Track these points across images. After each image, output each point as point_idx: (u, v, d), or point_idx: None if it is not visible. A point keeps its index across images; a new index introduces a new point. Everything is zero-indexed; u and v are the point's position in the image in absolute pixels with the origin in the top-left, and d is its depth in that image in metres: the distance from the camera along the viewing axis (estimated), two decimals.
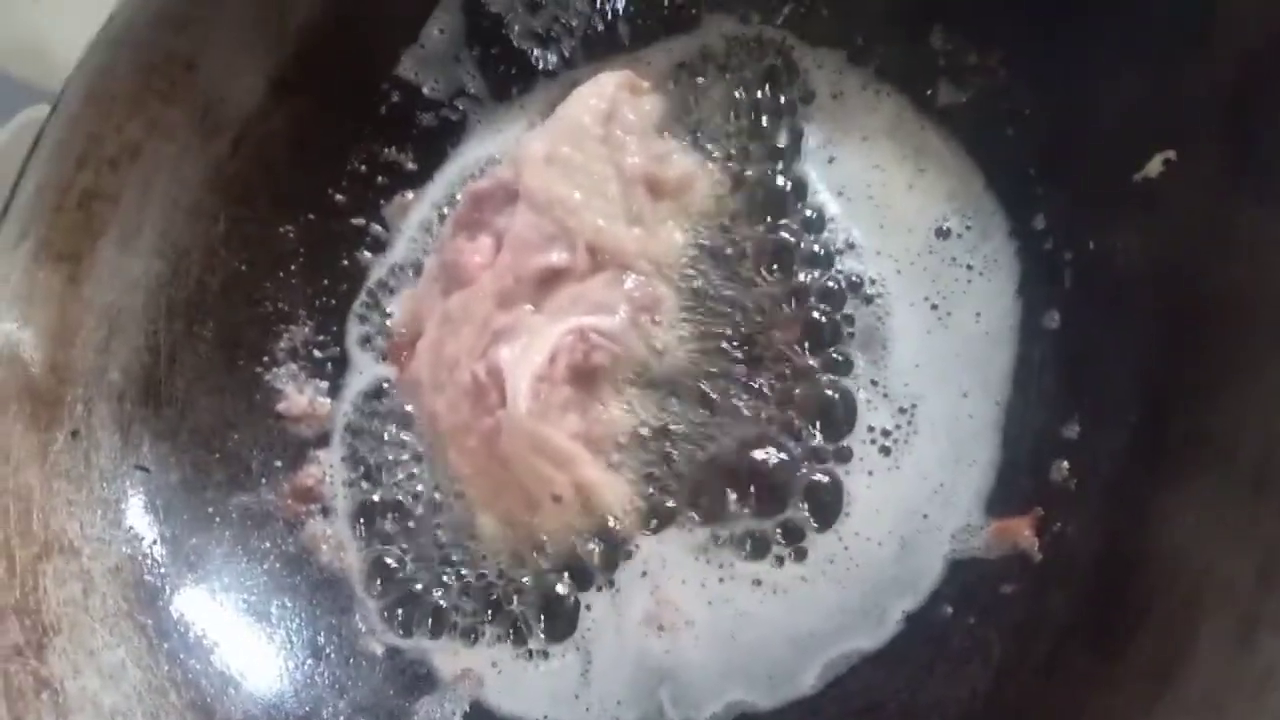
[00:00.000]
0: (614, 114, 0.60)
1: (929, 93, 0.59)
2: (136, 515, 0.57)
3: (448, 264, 0.62)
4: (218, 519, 0.59)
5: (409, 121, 0.68)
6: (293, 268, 0.66)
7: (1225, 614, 0.39)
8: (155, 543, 0.57)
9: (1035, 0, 0.54)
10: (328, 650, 0.57)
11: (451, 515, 0.59)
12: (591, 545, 0.56)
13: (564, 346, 0.56)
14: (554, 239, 0.58)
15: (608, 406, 0.57)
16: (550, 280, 0.59)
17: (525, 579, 0.57)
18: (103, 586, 0.54)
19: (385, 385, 0.64)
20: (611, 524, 0.56)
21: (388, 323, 0.65)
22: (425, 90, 0.68)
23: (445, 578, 0.58)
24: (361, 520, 0.61)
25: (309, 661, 0.57)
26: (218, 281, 0.63)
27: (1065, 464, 0.49)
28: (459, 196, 0.65)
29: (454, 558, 0.58)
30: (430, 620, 0.57)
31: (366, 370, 0.65)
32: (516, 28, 0.68)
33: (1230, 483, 0.41)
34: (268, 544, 0.60)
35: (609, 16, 0.67)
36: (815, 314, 0.57)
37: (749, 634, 0.52)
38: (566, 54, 0.68)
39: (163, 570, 0.56)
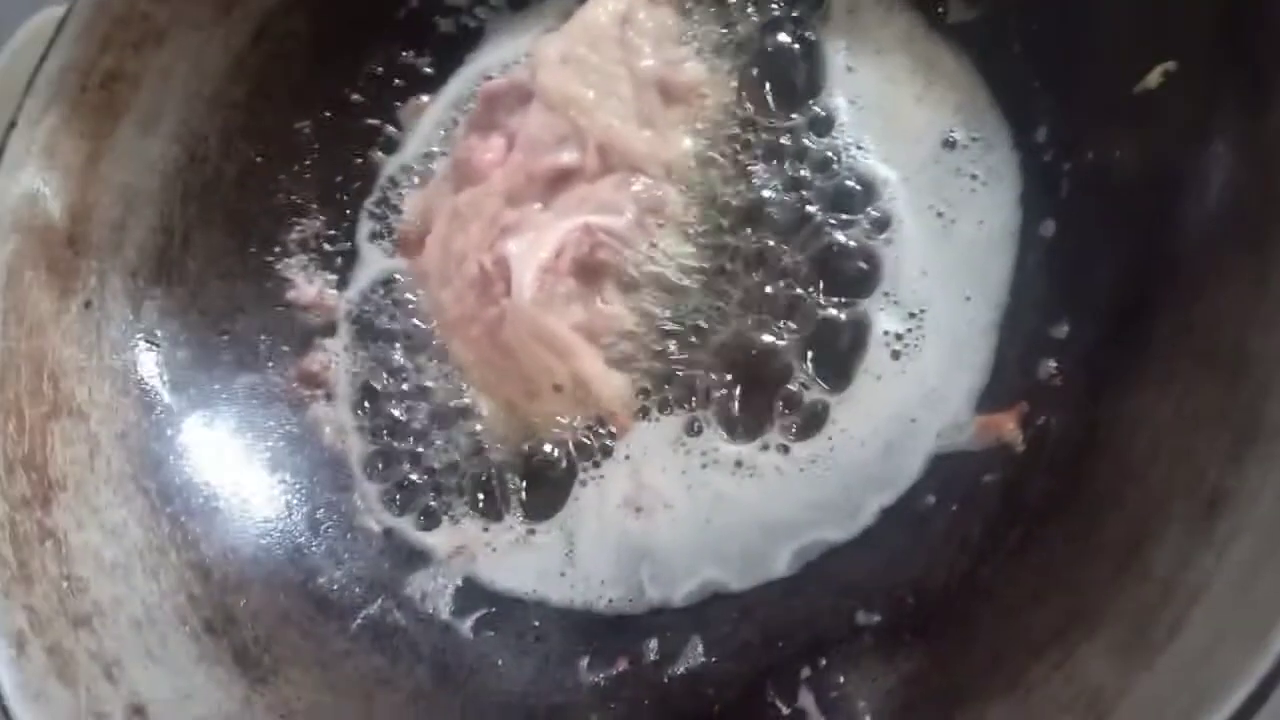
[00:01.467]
0: (630, 18, 0.61)
1: (940, 9, 0.60)
2: (144, 386, 0.59)
3: (460, 161, 0.63)
4: (224, 396, 0.61)
5: (427, 26, 0.69)
6: (307, 162, 0.67)
7: (1193, 494, 0.40)
8: (162, 413, 0.58)
9: None
10: (326, 525, 0.59)
11: (451, 402, 0.60)
12: (584, 435, 0.57)
13: (570, 241, 0.57)
14: (565, 139, 0.59)
15: (610, 302, 0.58)
16: (560, 180, 0.60)
17: (519, 463, 0.58)
18: (108, 450, 0.56)
19: (395, 278, 0.65)
20: (605, 415, 0.57)
21: (401, 217, 0.66)
22: None
23: (442, 461, 0.59)
24: (365, 405, 0.62)
25: (306, 534, 0.58)
26: (234, 170, 0.64)
27: (1053, 362, 0.50)
28: (474, 98, 0.66)
29: (451, 442, 0.59)
30: (426, 501, 0.59)
31: (375, 264, 0.66)
32: None
33: (1207, 373, 0.42)
34: (272, 422, 0.61)
35: None
36: (824, 221, 0.58)
37: (723, 518, 0.54)
38: None
39: (168, 439, 0.58)
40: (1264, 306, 0.41)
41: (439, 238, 0.62)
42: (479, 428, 0.59)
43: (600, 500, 0.56)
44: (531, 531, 0.57)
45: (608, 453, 0.57)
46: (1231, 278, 0.43)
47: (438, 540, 0.58)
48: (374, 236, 0.67)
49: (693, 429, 0.56)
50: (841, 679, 0.48)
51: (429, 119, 0.69)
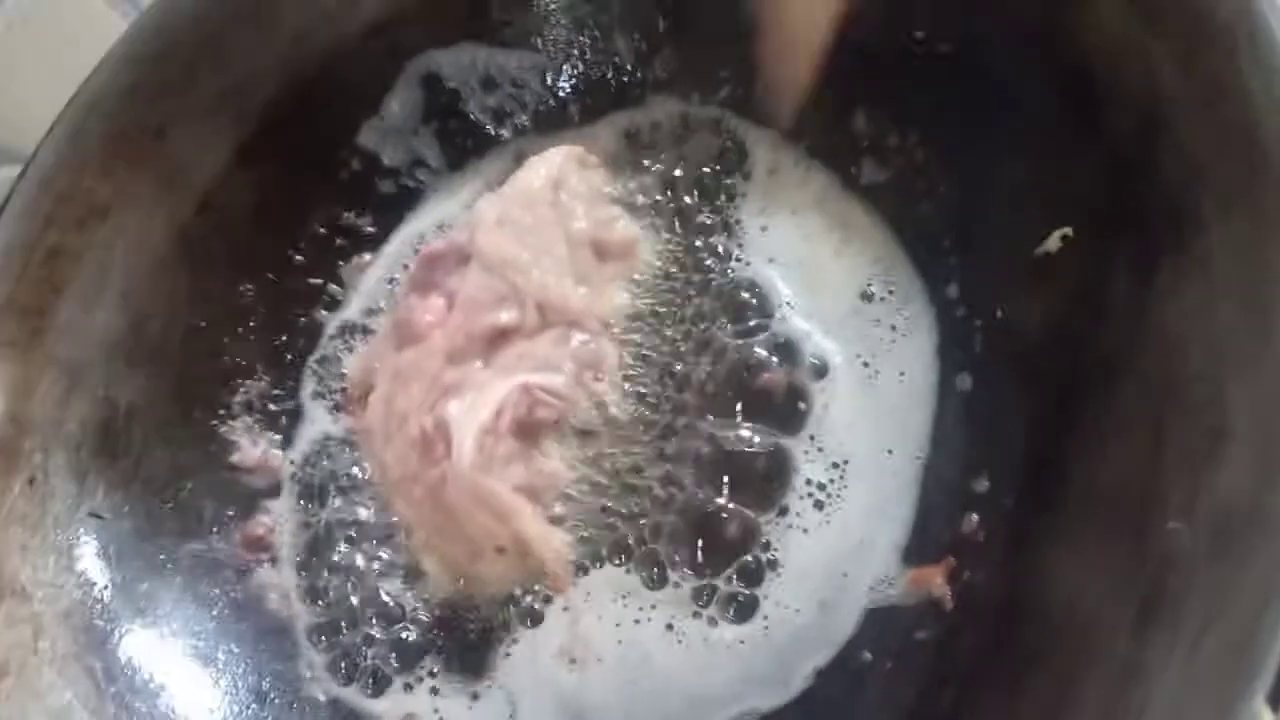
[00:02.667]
0: (563, 182, 0.64)
1: (853, 170, 0.63)
2: (89, 561, 0.59)
3: (400, 321, 0.65)
4: (169, 565, 0.61)
5: (368, 188, 0.71)
6: (251, 323, 0.68)
7: (1107, 660, 0.42)
8: (106, 588, 0.58)
9: (945, 89, 0.58)
10: (272, 696, 0.58)
11: (396, 563, 0.61)
12: (526, 593, 0.58)
13: (510, 402, 0.59)
14: (504, 299, 0.62)
15: (550, 459, 0.60)
16: (499, 338, 0.62)
17: (465, 624, 0.59)
18: (53, 630, 0.56)
19: (337, 438, 0.66)
20: (546, 574, 0.58)
21: (344, 374, 0.68)
22: (384, 159, 0.71)
23: (386, 625, 0.60)
24: (309, 569, 0.63)
25: (253, 706, 0.58)
26: (177, 337, 0.65)
27: (975, 516, 0.52)
28: (414, 258, 0.68)
29: (396, 604, 0.60)
30: (371, 668, 0.59)
31: (318, 423, 0.67)
32: (472, 103, 0.71)
33: (1113, 533, 0.45)
34: (217, 590, 0.61)
35: (560, 94, 0.72)
36: (754, 371, 0.60)
37: (650, 682, 0.55)
38: (520, 127, 0.72)
39: (113, 614, 0.58)
40: (1165, 465, 0.44)
41: (382, 397, 0.64)
42: (425, 585, 0.60)
43: (534, 653, 0.57)
44: (475, 696, 0.57)
45: (548, 601, 0.58)
46: (1129, 439, 0.46)
47: (384, 709, 0.58)
48: (316, 395, 0.68)
49: (627, 583, 0.57)
50: None
51: (371, 276, 0.71)
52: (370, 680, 0.59)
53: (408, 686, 0.58)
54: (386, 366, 0.64)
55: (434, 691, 0.58)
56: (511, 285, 0.62)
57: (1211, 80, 0.45)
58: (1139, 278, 0.48)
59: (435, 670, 0.58)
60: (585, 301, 0.63)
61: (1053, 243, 0.53)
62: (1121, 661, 0.41)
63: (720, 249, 0.64)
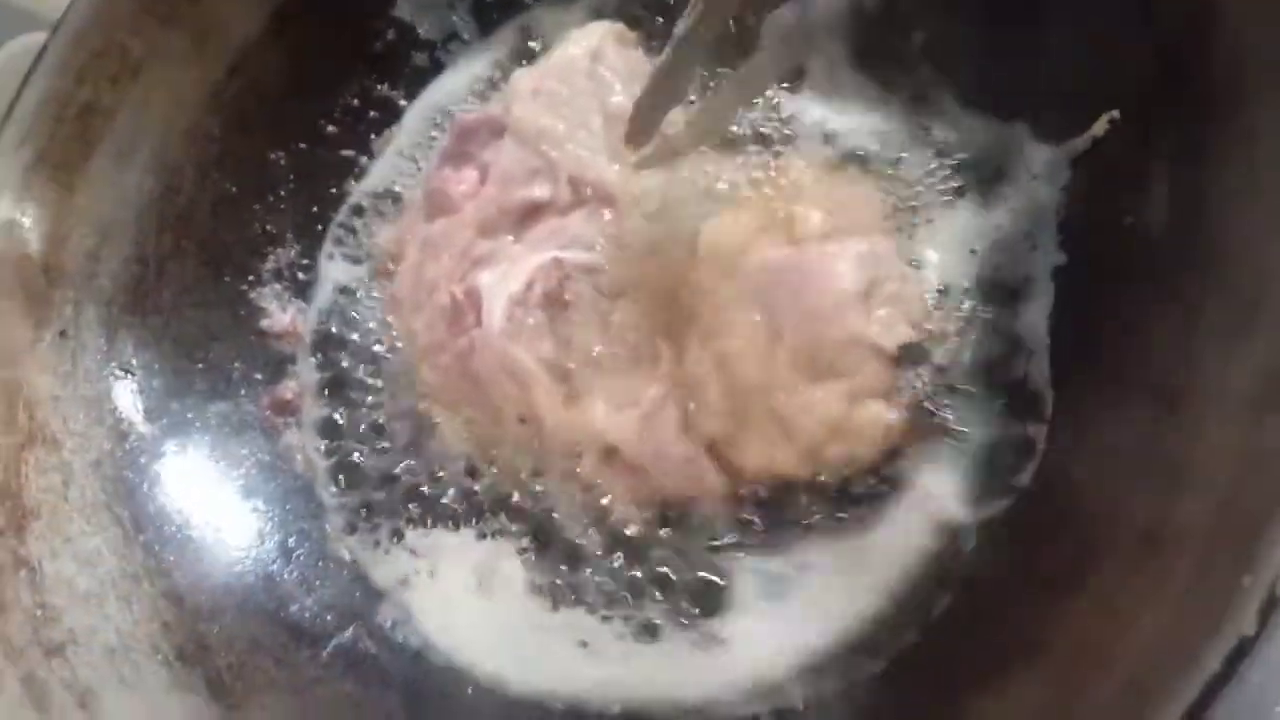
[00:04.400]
0: (601, 56, 0.63)
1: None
2: (120, 414, 0.59)
3: (433, 192, 0.64)
4: (197, 424, 0.62)
5: (402, 60, 0.70)
6: (282, 193, 0.68)
7: (1126, 533, 0.43)
8: (135, 441, 0.59)
9: None
10: (298, 552, 0.59)
11: (414, 427, 0.61)
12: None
13: (540, 275, 0.59)
14: (537, 173, 0.61)
15: (577, 335, 0.59)
16: (531, 213, 0.61)
17: (477, 487, 0.59)
18: (82, 479, 0.56)
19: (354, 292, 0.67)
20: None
21: (376, 243, 0.67)
22: (420, 31, 0.70)
23: (404, 486, 0.60)
24: (328, 434, 0.63)
25: (279, 561, 0.59)
26: (208, 201, 0.65)
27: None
28: (447, 128, 0.67)
29: (413, 467, 0.61)
30: (393, 526, 0.60)
31: (337, 277, 0.68)
32: None
33: (1146, 406, 0.45)
34: (244, 450, 0.62)
35: None
36: None
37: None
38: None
39: (142, 467, 0.59)
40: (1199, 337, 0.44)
41: (411, 265, 0.64)
42: (442, 446, 0.60)
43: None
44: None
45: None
46: (1170, 308, 0.46)
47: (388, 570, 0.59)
48: (341, 258, 0.68)
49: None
50: None
51: (395, 146, 0.70)
52: (388, 541, 0.60)
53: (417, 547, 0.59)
54: (417, 236, 0.64)
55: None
56: (546, 159, 0.61)
57: None
58: (1186, 157, 0.47)
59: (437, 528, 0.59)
60: (620, 177, 0.62)
61: (1099, 127, 0.52)
62: (1141, 534, 0.41)
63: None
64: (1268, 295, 0.41)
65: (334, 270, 0.68)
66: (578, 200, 0.61)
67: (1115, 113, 0.52)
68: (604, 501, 0.56)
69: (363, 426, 0.62)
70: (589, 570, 0.56)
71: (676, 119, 0.56)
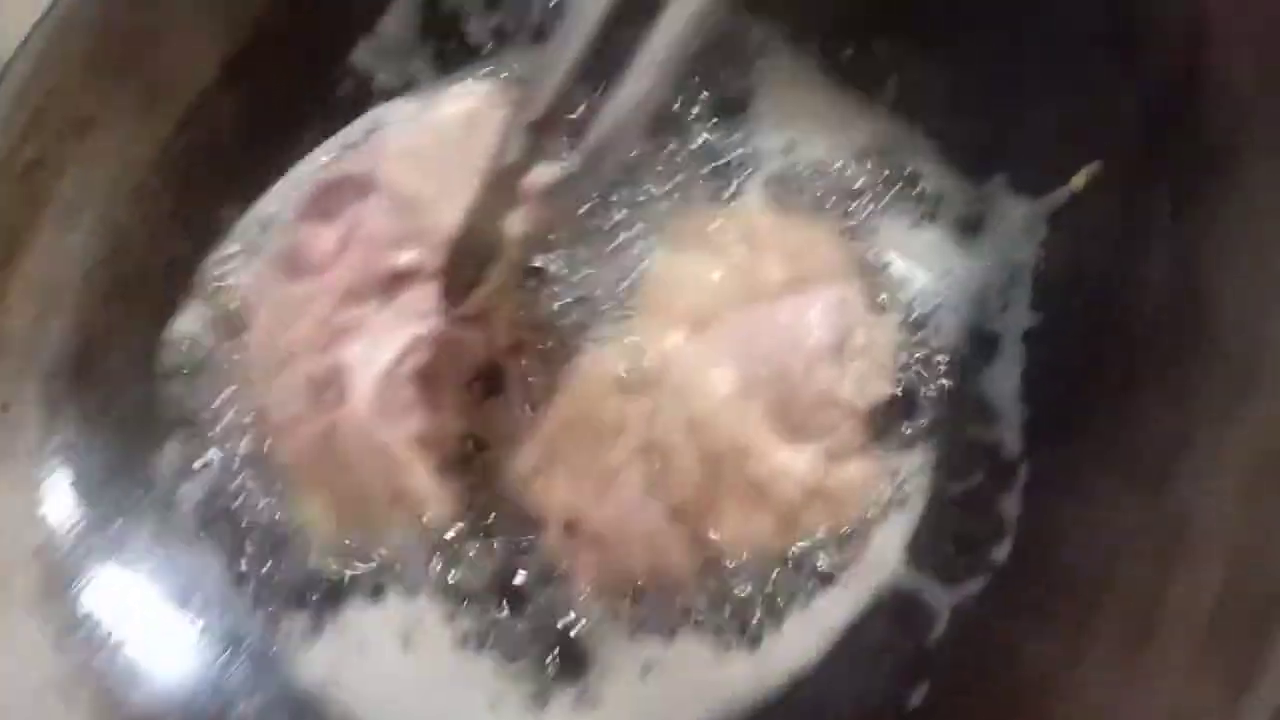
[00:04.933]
0: (477, 120, 0.60)
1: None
2: (57, 497, 0.56)
3: (291, 251, 0.60)
4: (138, 509, 0.58)
5: (361, 108, 0.67)
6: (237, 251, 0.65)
7: (1122, 617, 0.41)
8: (77, 525, 0.56)
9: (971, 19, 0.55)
10: (246, 641, 0.56)
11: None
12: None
13: (413, 348, 0.55)
14: (407, 237, 0.57)
15: (448, 410, 0.56)
16: (400, 279, 0.57)
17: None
18: (19, 569, 0.54)
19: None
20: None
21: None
22: (377, 81, 0.68)
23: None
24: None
25: (220, 661, 0.55)
26: (159, 263, 0.63)
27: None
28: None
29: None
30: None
31: None
32: (473, 23, 0.68)
33: (1133, 483, 0.43)
34: (189, 536, 0.58)
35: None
36: None
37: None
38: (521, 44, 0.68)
39: (82, 554, 0.56)
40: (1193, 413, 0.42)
41: (264, 330, 0.60)
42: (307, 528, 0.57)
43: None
44: None
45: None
46: (1162, 380, 0.44)
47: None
48: None
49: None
50: None
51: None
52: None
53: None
54: (271, 297, 0.60)
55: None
56: (417, 223, 0.57)
57: (1259, 14, 0.42)
58: (1176, 219, 0.45)
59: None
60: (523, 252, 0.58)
61: (1079, 181, 0.50)
62: (1137, 618, 0.39)
63: None
64: (1265, 368, 0.39)
65: None
66: None
67: (1097, 165, 0.50)
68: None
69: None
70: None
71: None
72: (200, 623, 0.56)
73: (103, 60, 0.60)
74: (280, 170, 0.66)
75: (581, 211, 0.58)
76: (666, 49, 0.45)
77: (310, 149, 0.66)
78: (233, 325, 0.61)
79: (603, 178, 0.51)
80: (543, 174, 0.50)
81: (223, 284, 0.63)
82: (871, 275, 0.56)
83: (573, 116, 0.49)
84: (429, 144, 0.58)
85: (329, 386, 0.55)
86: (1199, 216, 0.44)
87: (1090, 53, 0.50)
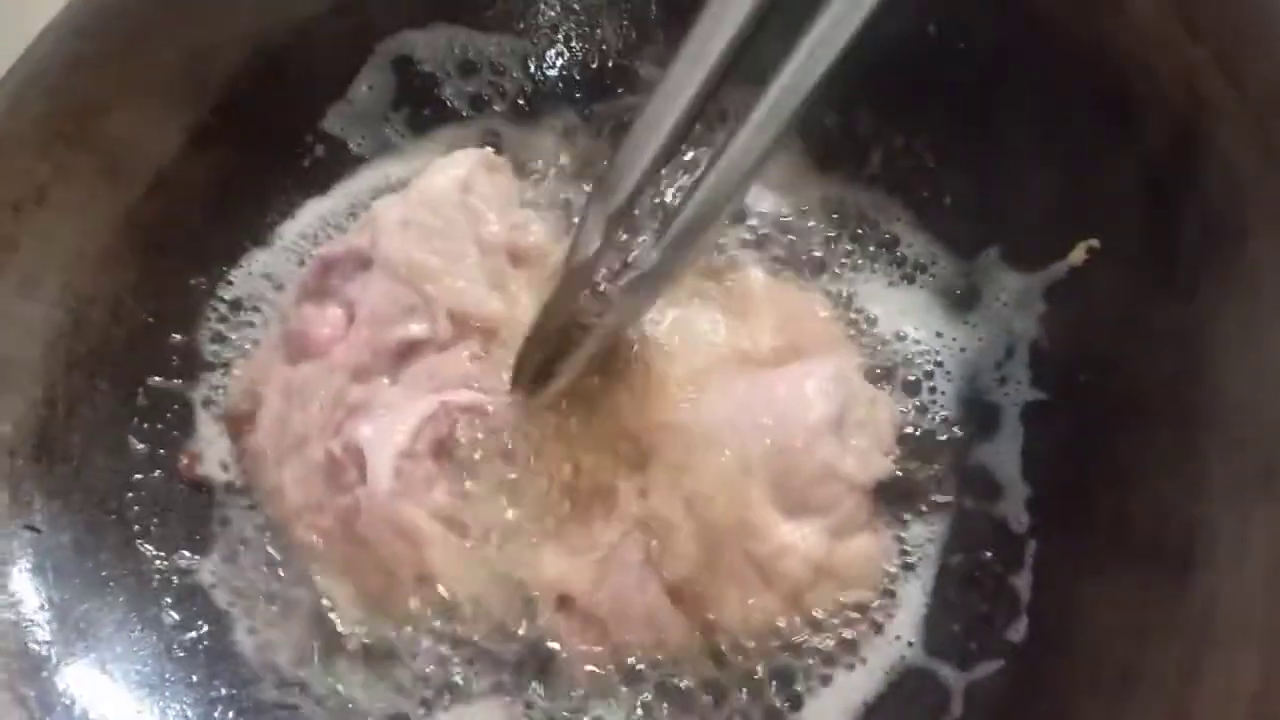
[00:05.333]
0: (471, 185, 0.59)
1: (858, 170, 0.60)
2: (23, 579, 0.53)
3: (294, 333, 0.59)
4: (111, 583, 0.56)
5: (333, 176, 0.67)
6: (209, 319, 0.63)
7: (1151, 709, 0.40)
8: (42, 608, 0.53)
9: (960, 91, 0.55)
10: None
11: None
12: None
13: (428, 422, 0.54)
14: (412, 309, 0.56)
15: (474, 482, 0.55)
16: (408, 352, 0.57)
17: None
18: None
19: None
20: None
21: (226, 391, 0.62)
22: (351, 146, 0.67)
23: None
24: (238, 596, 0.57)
25: None
26: (123, 334, 0.60)
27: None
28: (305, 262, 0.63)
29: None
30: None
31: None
32: (448, 88, 0.67)
33: (1153, 573, 0.42)
34: (162, 614, 0.56)
35: (542, 82, 0.68)
36: None
37: None
38: (499, 113, 0.67)
39: (49, 638, 0.53)
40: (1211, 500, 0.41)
41: (274, 415, 0.58)
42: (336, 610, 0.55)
43: None
44: None
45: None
46: (1170, 472, 0.44)
47: None
48: (206, 403, 0.62)
49: None
50: None
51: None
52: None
53: None
54: (277, 381, 0.59)
55: None
56: (421, 294, 0.56)
57: (1257, 87, 0.42)
58: (1178, 298, 0.45)
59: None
60: (502, 309, 0.58)
61: (1077, 255, 0.51)
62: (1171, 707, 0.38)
63: None
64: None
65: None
66: (459, 335, 0.57)
67: (1094, 241, 0.50)
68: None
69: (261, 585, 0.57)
70: None
71: None
72: (176, 704, 0.54)
73: (59, 131, 0.57)
74: (254, 238, 0.65)
75: None
76: (757, 144, 0.42)
77: (283, 219, 0.65)
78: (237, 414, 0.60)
79: (684, 271, 0.49)
80: (625, 269, 0.50)
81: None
82: (862, 337, 0.56)
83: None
84: (424, 215, 0.57)
85: (346, 469, 0.54)
86: (1203, 294, 0.44)
87: (1088, 125, 0.50)
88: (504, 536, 0.53)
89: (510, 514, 0.53)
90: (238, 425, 0.60)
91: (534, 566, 0.52)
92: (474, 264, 0.57)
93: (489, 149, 0.62)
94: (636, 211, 0.46)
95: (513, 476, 0.54)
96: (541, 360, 0.52)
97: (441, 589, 0.53)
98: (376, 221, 0.58)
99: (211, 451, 0.61)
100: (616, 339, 0.53)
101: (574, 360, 0.51)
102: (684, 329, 0.56)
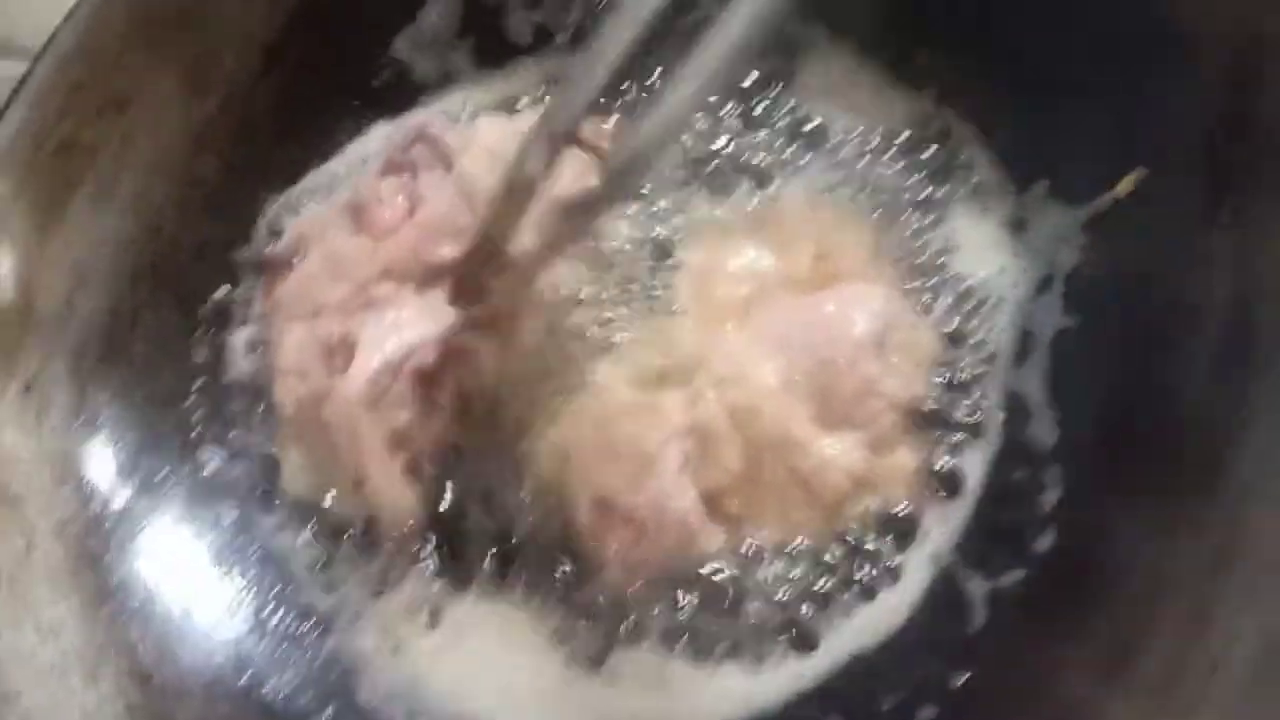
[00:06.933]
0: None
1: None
2: (87, 473, 0.55)
3: (359, 204, 0.60)
4: (169, 483, 0.58)
5: (399, 99, 0.67)
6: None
7: (1179, 604, 0.40)
8: (105, 501, 0.55)
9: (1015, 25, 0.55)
10: (271, 625, 0.55)
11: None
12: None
13: (422, 347, 0.55)
14: (460, 233, 0.57)
15: (437, 415, 0.56)
16: (439, 271, 0.58)
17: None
18: (46, 542, 0.52)
19: None
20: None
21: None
22: (416, 72, 0.68)
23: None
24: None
25: (251, 636, 0.55)
26: (189, 246, 0.62)
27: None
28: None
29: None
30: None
31: None
32: (514, 17, 0.67)
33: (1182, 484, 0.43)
34: (217, 513, 0.58)
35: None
36: None
37: None
38: (561, 43, 0.68)
39: (109, 530, 0.54)
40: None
41: (306, 275, 0.60)
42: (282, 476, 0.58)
43: None
44: None
45: None
46: (1208, 390, 0.44)
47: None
48: None
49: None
50: None
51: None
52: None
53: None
54: (326, 244, 0.60)
55: None
56: (473, 222, 0.56)
57: None
58: (1227, 226, 0.45)
59: None
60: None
61: (1126, 185, 0.50)
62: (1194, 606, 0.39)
63: None
64: None
65: None
66: None
67: (1143, 170, 0.49)
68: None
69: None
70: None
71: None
72: (231, 593, 0.56)
73: (142, 40, 0.59)
74: (322, 156, 0.66)
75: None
76: (708, 68, 0.44)
77: (350, 139, 0.66)
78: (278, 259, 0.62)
79: (625, 198, 0.51)
80: (564, 188, 0.50)
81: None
82: (915, 269, 0.56)
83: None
84: (512, 150, 0.58)
85: (336, 354, 0.56)
86: (1253, 220, 0.44)
87: (1142, 57, 0.50)
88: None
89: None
90: (274, 270, 0.62)
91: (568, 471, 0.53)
92: (534, 212, 0.58)
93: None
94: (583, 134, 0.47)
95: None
96: (479, 272, 0.54)
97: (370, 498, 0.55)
98: (473, 136, 0.59)
99: None
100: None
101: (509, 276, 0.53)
102: (728, 253, 0.57)
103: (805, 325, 0.52)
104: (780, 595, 0.51)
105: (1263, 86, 0.45)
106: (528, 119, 0.60)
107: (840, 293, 0.53)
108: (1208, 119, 0.47)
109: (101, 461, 0.56)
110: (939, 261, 0.57)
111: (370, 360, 0.54)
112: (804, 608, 0.51)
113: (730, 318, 0.54)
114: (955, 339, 0.55)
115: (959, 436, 0.53)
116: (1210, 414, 0.43)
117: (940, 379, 0.53)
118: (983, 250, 0.56)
